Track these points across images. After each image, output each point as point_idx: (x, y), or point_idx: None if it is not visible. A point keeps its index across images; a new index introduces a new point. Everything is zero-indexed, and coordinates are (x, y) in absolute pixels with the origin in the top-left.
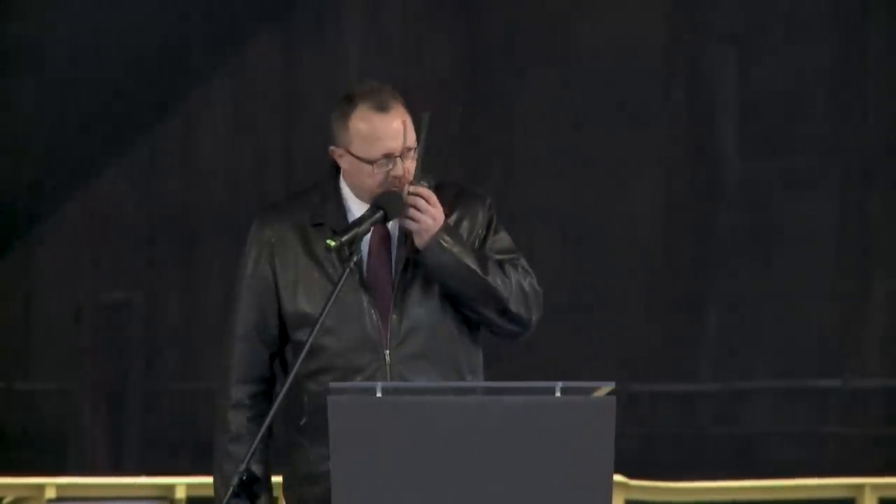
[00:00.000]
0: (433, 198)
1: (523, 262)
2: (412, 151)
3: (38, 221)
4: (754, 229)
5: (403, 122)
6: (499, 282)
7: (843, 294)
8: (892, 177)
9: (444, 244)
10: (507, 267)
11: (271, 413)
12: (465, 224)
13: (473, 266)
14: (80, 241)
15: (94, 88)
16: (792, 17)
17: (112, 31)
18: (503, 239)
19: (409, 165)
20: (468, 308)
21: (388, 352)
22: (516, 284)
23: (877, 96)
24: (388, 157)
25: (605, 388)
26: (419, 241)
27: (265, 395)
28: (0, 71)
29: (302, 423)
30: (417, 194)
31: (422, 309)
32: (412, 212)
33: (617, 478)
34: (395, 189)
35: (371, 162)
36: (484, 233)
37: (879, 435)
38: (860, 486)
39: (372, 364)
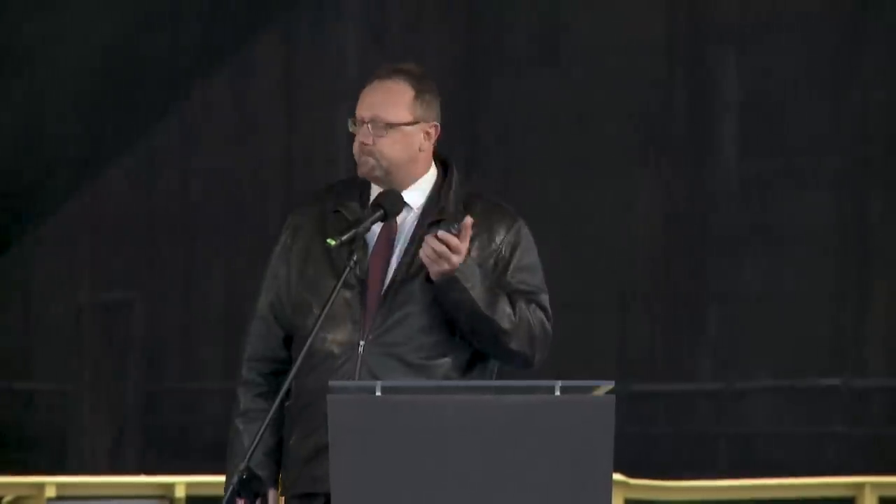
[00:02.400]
0: (454, 242)
1: (543, 299)
2: (386, 128)
3: (38, 221)
4: (754, 229)
5: (384, 96)
6: (506, 321)
7: (843, 294)
8: (892, 177)
9: (459, 284)
10: (521, 304)
11: (278, 399)
12: (482, 240)
13: (482, 307)
14: (80, 241)
15: (94, 88)
16: (791, 17)
17: (112, 32)
18: (530, 269)
19: (380, 143)
20: (468, 336)
21: (362, 344)
22: (525, 323)
23: (877, 96)
24: (355, 119)
25: (604, 387)
26: (434, 276)
27: (276, 374)
28: (0, 71)
29: (287, 404)
30: (446, 242)
31: (407, 311)
32: (432, 255)
33: (617, 477)
34: (397, 190)
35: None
36: (508, 256)
37: (879, 434)
38: (860, 486)
39: (345, 354)
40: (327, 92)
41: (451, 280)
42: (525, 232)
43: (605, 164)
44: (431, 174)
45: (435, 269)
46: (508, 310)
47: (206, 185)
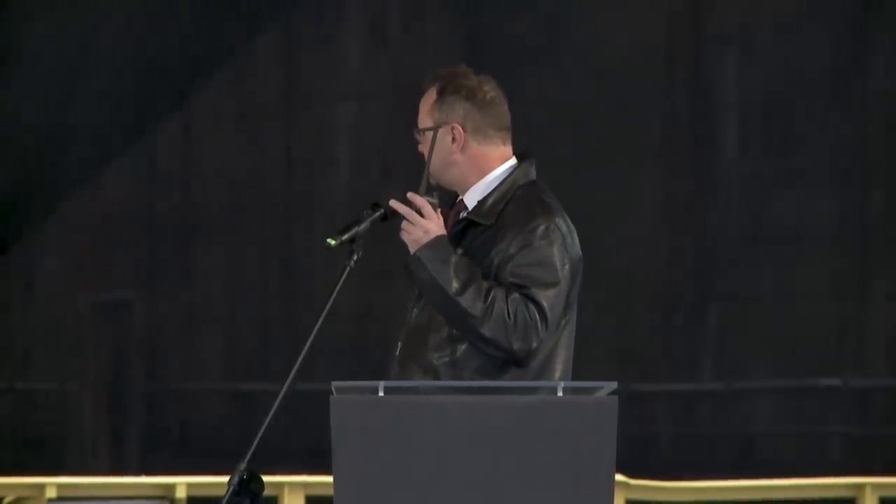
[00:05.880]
0: (427, 208)
1: (535, 293)
2: (420, 134)
3: (38, 221)
4: (754, 229)
5: (420, 103)
6: (476, 305)
7: (843, 294)
8: (892, 177)
9: (423, 260)
10: (496, 292)
11: (279, 397)
12: (513, 232)
13: (445, 286)
14: (80, 241)
15: (94, 88)
16: (791, 17)
17: (112, 32)
18: (534, 265)
19: (420, 149)
20: (447, 322)
21: (400, 344)
22: (497, 311)
23: (877, 96)
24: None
25: (606, 388)
26: (411, 248)
27: None
28: (0, 71)
29: None
30: (412, 203)
31: (424, 313)
32: (404, 223)
33: (618, 477)
34: (397, 190)
35: None
36: (514, 252)
37: (880, 435)
38: (861, 486)
39: (395, 351)
40: (327, 92)
41: (413, 259)
42: (547, 230)
43: (605, 163)
44: (499, 173)
45: (406, 239)
46: (481, 297)
47: (206, 185)
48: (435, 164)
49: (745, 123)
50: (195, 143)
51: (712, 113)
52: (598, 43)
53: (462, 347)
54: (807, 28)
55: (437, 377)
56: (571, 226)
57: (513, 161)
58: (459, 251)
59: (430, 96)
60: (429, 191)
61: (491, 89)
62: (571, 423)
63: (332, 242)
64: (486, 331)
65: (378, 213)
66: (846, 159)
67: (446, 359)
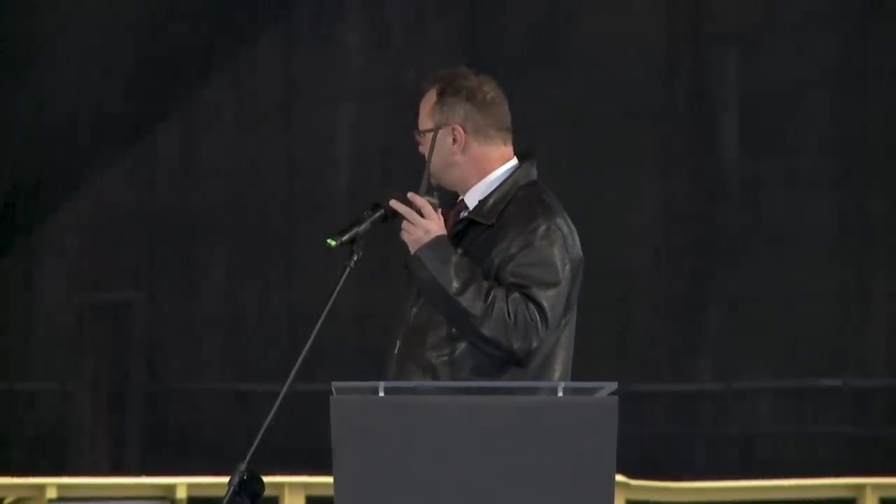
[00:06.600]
0: (427, 208)
1: (535, 293)
2: (420, 135)
3: (39, 221)
4: (754, 229)
5: (420, 105)
6: (476, 305)
7: (843, 294)
8: (892, 177)
9: (423, 260)
10: (496, 292)
11: (279, 398)
12: (514, 232)
13: (446, 286)
14: (80, 241)
15: (94, 88)
16: (792, 17)
17: (113, 32)
18: (534, 265)
19: (421, 150)
20: (448, 321)
21: (398, 343)
22: (497, 311)
23: (877, 96)
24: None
25: (607, 388)
26: (411, 248)
27: None
28: (1, 71)
29: None
30: (413, 203)
31: (423, 311)
32: (404, 223)
33: (618, 478)
34: (397, 191)
35: None
36: (515, 252)
37: (880, 435)
38: (861, 486)
39: (392, 354)
40: (327, 92)
41: (413, 259)
42: (547, 230)
43: (605, 164)
44: (500, 173)
45: (406, 239)
46: (481, 296)
47: (206, 185)
48: (435, 165)
49: (745, 123)
50: (195, 143)
51: (712, 113)
52: (598, 43)
53: (461, 346)
54: (807, 28)
55: (435, 376)
56: (572, 226)
57: (514, 161)
58: (460, 251)
59: (431, 97)
60: (429, 191)
61: (491, 90)
62: (572, 424)
63: (333, 243)
64: (487, 330)
65: (378, 214)
66: (846, 159)
67: (445, 357)
